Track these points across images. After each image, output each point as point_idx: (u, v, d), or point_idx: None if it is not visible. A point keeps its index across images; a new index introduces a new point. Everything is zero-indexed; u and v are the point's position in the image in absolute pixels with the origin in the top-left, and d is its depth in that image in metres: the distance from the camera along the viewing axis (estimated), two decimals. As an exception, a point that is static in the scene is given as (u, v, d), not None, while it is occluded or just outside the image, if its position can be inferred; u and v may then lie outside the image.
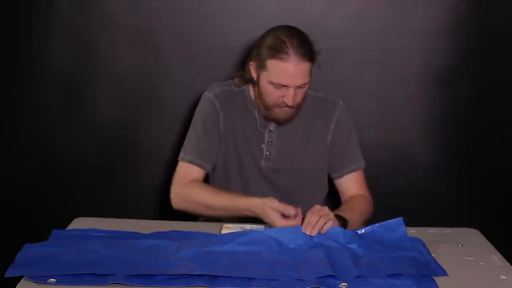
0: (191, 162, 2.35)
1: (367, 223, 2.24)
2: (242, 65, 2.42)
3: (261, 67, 2.25)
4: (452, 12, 2.82)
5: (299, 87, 2.23)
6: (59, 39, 2.82)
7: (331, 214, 2.08)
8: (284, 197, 2.38)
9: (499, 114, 2.91)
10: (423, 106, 2.90)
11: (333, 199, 2.58)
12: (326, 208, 2.09)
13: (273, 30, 2.26)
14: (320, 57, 2.29)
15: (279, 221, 2.11)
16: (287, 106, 2.25)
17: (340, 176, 2.41)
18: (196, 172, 2.36)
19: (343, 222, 2.12)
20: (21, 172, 2.94)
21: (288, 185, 2.42)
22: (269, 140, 2.39)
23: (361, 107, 2.83)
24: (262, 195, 2.26)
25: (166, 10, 2.79)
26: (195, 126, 2.39)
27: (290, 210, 2.12)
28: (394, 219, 2.14)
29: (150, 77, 2.85)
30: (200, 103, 2.41)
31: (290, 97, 2.23)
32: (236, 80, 2.40)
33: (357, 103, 2.80)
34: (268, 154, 2.39)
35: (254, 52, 2.29)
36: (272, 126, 2.38)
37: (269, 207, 2.13)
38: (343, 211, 2.20)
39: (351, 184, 2.41)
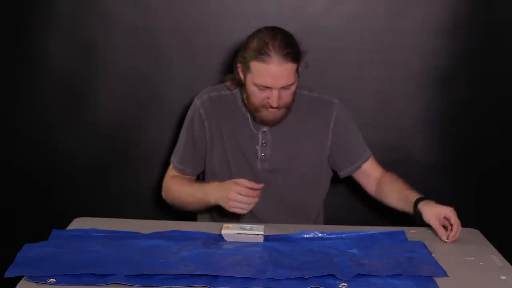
0: (175, 167, 2.44)
1: None
2: (231, 68, 2.42)
3: (246, 69, 2.26)
4: (451, 12, 2.82)
5: (283, 88, 2.23)
6: (58, 39, 2.82)
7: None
8: (280, 198, 2.40)
9: (498, 113, 2.91)
10: (422, 106, 2.90)
11: (333, 198, 2.58)
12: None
13: (258, 32, 2.27)
14: (307, 57, 2.29)
15: (234, 191, 2.16)
16: (272, 107, 2.26)
17: (358, 168, 2.45)
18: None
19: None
20: (21, 172, 2.94)
21: (284, 185, 2.41)
22: (263, 141, 2.38)
23: (360, 106, 2.83)
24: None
25: (166, 10, 2.79)
26: (182, 131, 2.45)
27: (256, 185, 2.17)
28: (396, 230, 2.17)
29: (150, 77, 2.85)
30: (190, 109, 2.45)
31: (275, 98, 2.23)
32: (228, 83, 2.41)
33: (356, 103, 2.80)
34: (263, 155, 2.39)
35: (240, 55, 2.30)
36: (265, 128, 2.38)
37: (234, 182, 2.18)
38: (414, 191, 2.30)
39: (372, 169, 2.45)
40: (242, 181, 2.17)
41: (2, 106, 2.90)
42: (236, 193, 2.15)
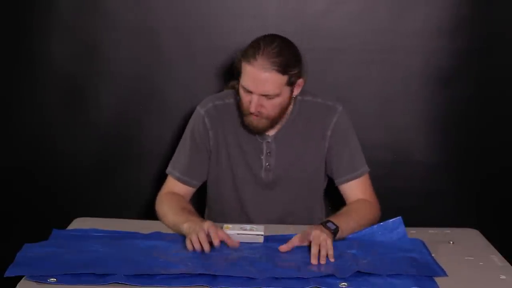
0: (178, 179, 2.37)
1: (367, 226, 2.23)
2: (233, 72, 2.42)
3: (240, 69, 2.24)
4: (453, 12, 2.81)
5: (265, 97, 2.19)
6: (59, 39, 2.82)
7: (328, 240, 1.99)
8: (281, 206, 2.39)
9: (500, 114, 2.90)
10: (424, 106, 2.89)
11: (333, 198, 2.58)
12: (322, 235, 1.99)
13: (262, 36, 2.24)
14: (307, 57, 2.27)
15: (189, 245, 1.99)
16: (252, 113, 2.22)
17: (341, 183, 2.37)
18: (182, 188, 2.37)
19: (333, 229, 2.07)
20: (22, 172, 2.94)
21: (287, 194, 2.40)
22: (268, 151, 2.37)
23: (362, 107, 2.83)
24: (260, 206, 2.25)
25: (166, 10, 2.79)
26: (185, 141, 2.40)
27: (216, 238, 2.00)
28: (393, 219, 2.15)
29: (151, 77, 2.85)
30: (192, 118, 2.41)
31: (253, 103, 2.20)
32: (235, 90, 2.37)
33: (358, 103, 2.80)
34: (268, 165, 2.37)
35: (238, 56, 2.27)
36: (269, 138, 2.36)
37: (205, 225, 2.03)
38: (339, 217, 2.17)
39: (353, 191, 2.36)
40: (209, 227, 2.03)
41: (3, 106, 2.90)
42: (196, 234, 2.01)
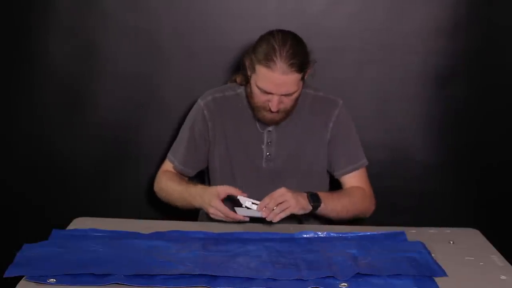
0: (176, 168, 2.46)
1: (356, 216, 2.35)
2: (238, 66, 2.43)
3: (252, 69, 2.28)
4: (451, 12, 2.82)
5: (285, 95, 2.26)
6: (58, 39, 2.82)
7: (291, 201, 2.15)
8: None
9: (498, 113, 2.91)
10: (422, 106, 2.90)
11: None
12: (287, 195, 2.16)
13: (270, 34, 2.27)
14: (315, 67, 2.33)
15: (213, 209, 2.22)
16: (271, 111, 2.28)
17: (341, 175, 2.43)
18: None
19: (313, 204, 2.21)
20: (21, 172, 2.94)
21: (289, 185, 2.40)
22: (269, 140, 2.39)
23: (360, 107, 2.82)
24: (262, 196, 2.26)
25: (166, 10, 2.79)
26: (184, 132, 2.47)
27: (235, 191, 2.23)
28: (396, 231, 2.18)
29: (150, 78, 2.85)
30: (192, 109, 2.48)
31: (274, 104, 2.26)
32: (238, 78, 2.42)
33: (356, 103, 2.80)
34: (268, 154, 2.40)
35: (249, 53, 2.30)
36: (270, 127, 2.39)
37: (211, 192, 2.23)
38: (327, 194, 2.29)
39: (351, 182, 2.43)
40: (222, 190, 2.24)
41: (1, 106, 2.89)
42: (214, 208, 2.21)
